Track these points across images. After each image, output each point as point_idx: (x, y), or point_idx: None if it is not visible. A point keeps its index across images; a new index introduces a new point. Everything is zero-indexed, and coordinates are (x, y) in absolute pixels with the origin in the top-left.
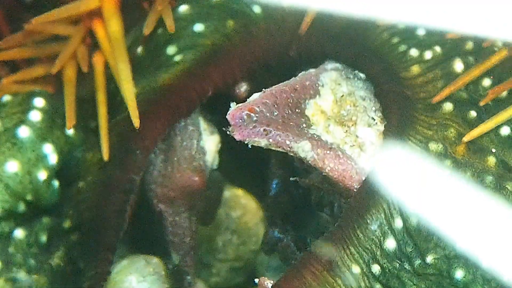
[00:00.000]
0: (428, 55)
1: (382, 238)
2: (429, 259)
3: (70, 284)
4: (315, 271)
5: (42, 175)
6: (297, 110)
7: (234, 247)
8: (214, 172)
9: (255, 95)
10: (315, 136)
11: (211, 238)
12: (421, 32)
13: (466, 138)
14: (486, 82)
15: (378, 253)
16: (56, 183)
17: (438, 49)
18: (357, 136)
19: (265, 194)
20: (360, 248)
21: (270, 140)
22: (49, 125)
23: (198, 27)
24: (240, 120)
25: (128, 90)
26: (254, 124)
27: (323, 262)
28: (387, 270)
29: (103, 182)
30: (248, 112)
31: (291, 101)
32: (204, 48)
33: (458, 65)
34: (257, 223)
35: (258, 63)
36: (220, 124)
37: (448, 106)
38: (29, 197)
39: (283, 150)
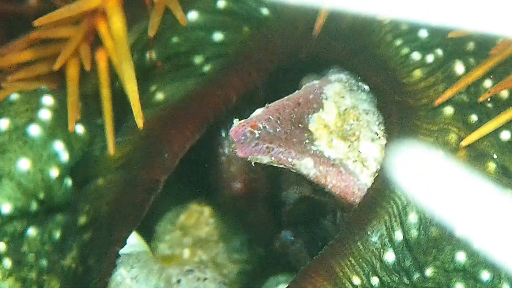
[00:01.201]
0: (430, 58)
1: (382, 250)
2: (428, 272)
3: (81, 285)
4: (316, 283)
5: (54, 172)
6: (300, 125)
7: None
8: None
9: (258, 111)
10: (318, 152)
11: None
12: (423, 34)
13: (464, 143)
14: (487, 83)
15: (378, 265)
16: (69, 181)
17: (439, 52)
18: (359, 152)
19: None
20: (360, 260)
21: (273, 158)
22: (59, 123)
23: (217, 36)
24: (243, 137)
25: (132, 90)
26: (256, 141)
27: (323, 273)
28: (385, 283)
29: (126, 179)
30: (251, 129)
31: (294, 116)
32: (228, 57)
33: (459, 68)
34: None
35: (273, 66)
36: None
37: (449, 110)
38: (41, 196)
39: (286, 167)
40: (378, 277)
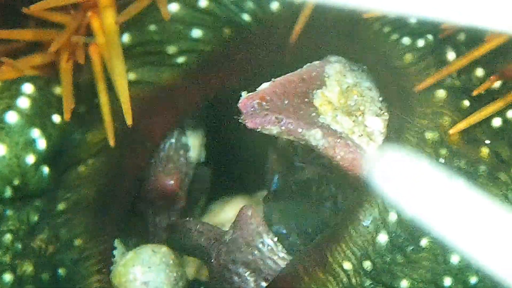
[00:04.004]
0: (420, 43)
1: (374, 233)
2: (424, 242)
3: (54, 262)
4: (308, 267)
5: (30, 159)
6: (306, 100)
7: None
8: (201, 167)
9: (265, 85)
10: (325, 124)
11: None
12: (412, 21)
13: (452, 131)
14: (479, 72)
15: (370, 248)
16: (45, 169)
17: (430, 37)
18: (365, 126)
19: (259, 189)
20: (351, 245)
21: (282, 128)
22: (38, 111)
23: (196, 33)
24: (252, 109)
25: (122, 87)
26: (265, 113)
27: (316, 259)
28: (378, 265)
29: (112, 167)
30: (259, 100)
31: (300, 90)
32: (205, 53)
33: (450, 54)
34: None
35: (255, 70)
36: (206, 118)
37: (441, 94)
38: (16, 182)
39: (294, 139)
40: (370, 260)
